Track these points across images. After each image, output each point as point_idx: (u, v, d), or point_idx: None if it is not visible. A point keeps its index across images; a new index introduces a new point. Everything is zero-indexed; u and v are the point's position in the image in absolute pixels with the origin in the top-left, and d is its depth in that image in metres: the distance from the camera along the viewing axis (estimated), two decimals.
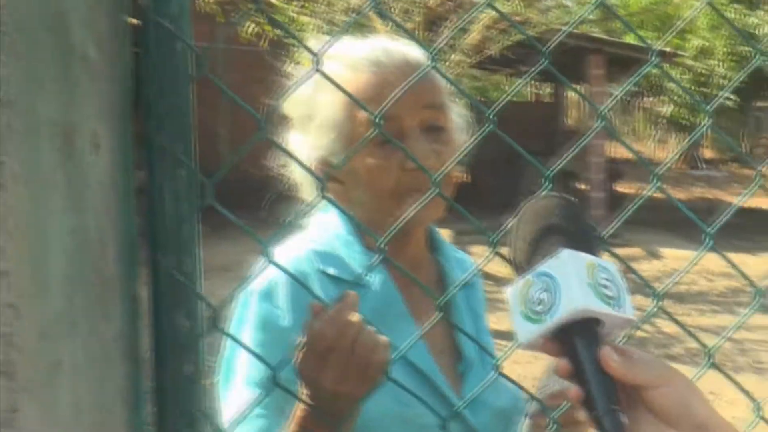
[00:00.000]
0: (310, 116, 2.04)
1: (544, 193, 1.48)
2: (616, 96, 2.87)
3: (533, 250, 1.40)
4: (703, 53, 21.52)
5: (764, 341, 10.71)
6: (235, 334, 1.87)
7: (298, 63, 2.13)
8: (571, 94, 27.42)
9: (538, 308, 1.34)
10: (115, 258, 1.35)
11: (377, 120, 1.49)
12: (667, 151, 38.37)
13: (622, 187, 25.73)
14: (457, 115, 2.12)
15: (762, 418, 1.80)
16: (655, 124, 40.85)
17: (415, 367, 1.97)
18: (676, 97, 24.31)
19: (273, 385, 1.51)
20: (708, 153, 38.60)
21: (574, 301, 1.31)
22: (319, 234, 2.05)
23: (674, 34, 20.50)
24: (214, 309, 1.45)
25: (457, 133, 2.09)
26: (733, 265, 1.83)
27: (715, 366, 1.77)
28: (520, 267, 1.41)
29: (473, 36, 12.56)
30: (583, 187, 20.86)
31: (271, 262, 1.47)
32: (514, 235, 1.44)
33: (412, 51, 2.05)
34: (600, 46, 18.89)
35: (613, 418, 1.27)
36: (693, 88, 22.86)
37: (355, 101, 1.65)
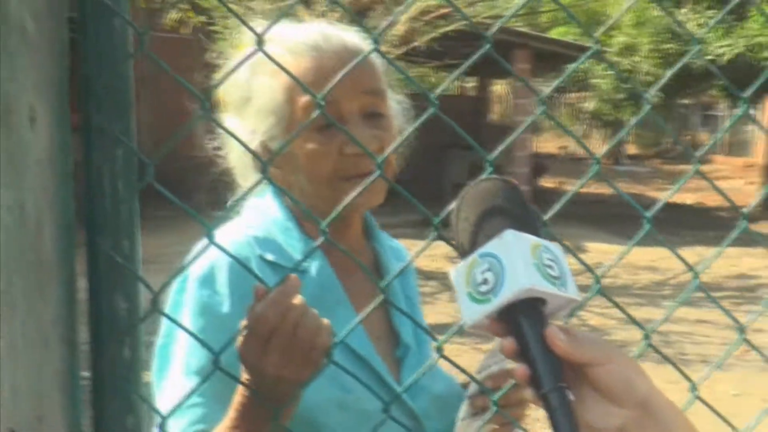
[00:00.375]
0: (248, 100, 2.01)
1: (485, 176, 1.47)
2: (559, 81, 2.83)
3: (477, 231, 1.39)
4: (628, 50, 21.66)
5: (688, 333, 10.86)
6: (173, 317, 1.83)
7: (233, 47, 2.09)
8: (496, 89, 27.55)
9: (483, 288, 1.33)
10: (53, 238, 1.33)
11: (320, 102, 1.46)
12: (590, 145, 38.72)
13: (545, 182, 25.97)
14: (396, 102, 2.11)
15: (698, 397, 1.82)
16: (578, 119, 41.24)
17: (355, 353, 1.95)
18: (601, 93, 24.46)
19: (214, 370, 1.48)
20: (632, 149, 39.08)
21: (519, 281, 1.31)
22: (257, 219, 2.02)
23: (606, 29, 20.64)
24: (154, 292, 1.42)
25: (396, 119, 2.08)
26: (680, 258, 1.81)
27: (652, 347, 1.78)
28: (464, 249, 1.40)
29: (399, 27, 12.53)
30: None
31: (215, 244, 1.45)
32: (456, 218, 1.43)
33: (350, 36, 2.04)
34: (526, 41, 19.01)
35: (561, 395, 1.27)
36: (617, 84, 23.05)
37: (298, 83, 1.62)
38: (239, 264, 1.75)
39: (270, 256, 1.96)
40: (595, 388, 1.29)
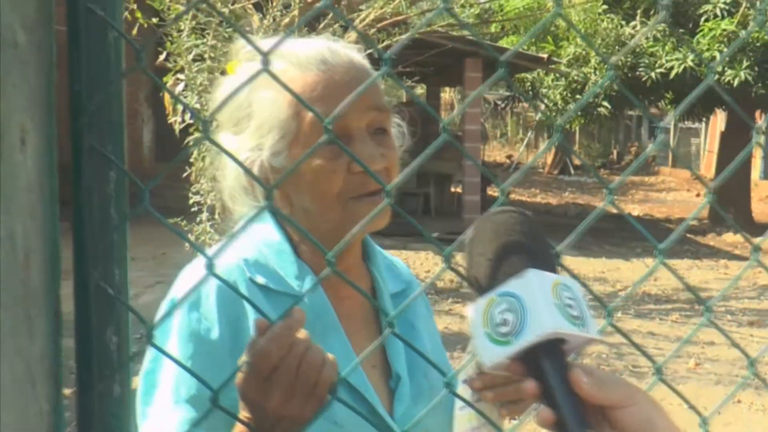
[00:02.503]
0: (248, 116, 1.93)
1: (500, 207, 1.42)
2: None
3: (495, 267, 1.34)
4: (578, 60, 21.71)
5: (641, 345, 10.87)
6: (159, 346, 1.74)
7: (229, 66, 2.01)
8: (445, 96, 27.48)
9: (503, 330, 1.29)
10: (40, 269, 1.23)
11: (327, 126, 1.38)
12: (535, 156, 38.90)
13: (494, 191, 26.02)
14: (393, 122, 2.05)
15: None
16: (526, 128, 41.45)
17: (348, 384, 1.87)
18: (550, 103, 24.52)
19: (211, 408, 1.39)
20: (578, 159, 39.25)
21: (543, 324, 1.27)
22: (250, 241, 1.93)
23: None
24: (150, 326, 1.33)
25: (395, 139, 2.02)
26: (692, 292, 1.74)
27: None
28: (480, 285, 1.36)
29: (352, 33, 12.45)
30: (457, 190, 20.98)
31: (214, 275, 1.36)
32: (470, 252, 1.39)
33: (353, 51, 2.00)
34: (476, 50, 18.97)
35: None
36: (567, 94, 23.11)
37: (305, 105, 1.55)
38: (238, 293, 1.67)
39: (260, 279, 1.88)
40: (616, 429, 1.28)
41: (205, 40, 9.21)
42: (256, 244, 1.92)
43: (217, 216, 9.13)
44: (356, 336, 1.95)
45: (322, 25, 11.07)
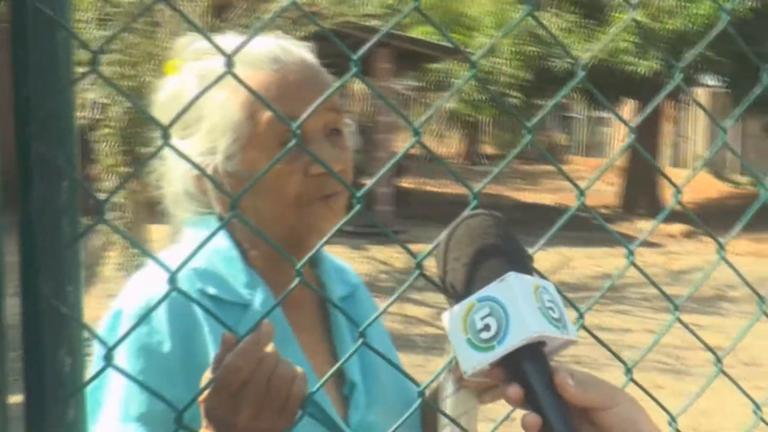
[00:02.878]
0: (198, 119, 1.85)
1: (472, 210, 1.40)
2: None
3: (472, 272, 1.31)
4: (489, 51, 21.79)
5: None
6: (104, 362, 1.64)
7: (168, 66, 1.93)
8: (356, 88, 27.43)
9: (485, 335, 1.26)
10: None
11: (296, 132, 1.32)
12: (447, 146, 39.10)
13: (406, 183, 26.09)
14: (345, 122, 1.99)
15: None
16: (436, 119, 41.54)
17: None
18: (461, 94, 24.60)
19: (177, 429, 1.32)
20: (488, 149, 39.48)
21: (528, 328, 1.25)
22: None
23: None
24: (108, 346, 1.26)
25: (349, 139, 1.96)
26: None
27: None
28: (456, 291, 1.32)
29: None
30: (368, 182, 20.97)
31: (179, 291, 1.30)
32: (444, 257, 1.35)
33: (304, 49, 1.94)
34: (388, 40, 18.95)
35: None
36: (479, 85, 23.24)
37: (267, 105, 1.48)
38: (201, 306, 1.59)
39: (212, 290, 1.82)
40: (601, 430, 1.28)
41: (109, 31, 9.09)
42: (205, 253, 1.83)
43: (126, 214, 9.00)
44: (308, 344, 1.90)
45: (232, 15, 10.98)
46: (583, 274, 15.04)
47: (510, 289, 1.27)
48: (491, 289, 1.28)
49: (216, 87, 1.77)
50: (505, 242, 1.33)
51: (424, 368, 9.65)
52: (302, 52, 1.92)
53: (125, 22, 9.25)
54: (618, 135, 35.46)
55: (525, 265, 1.33)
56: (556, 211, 23.85)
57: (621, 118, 1.88)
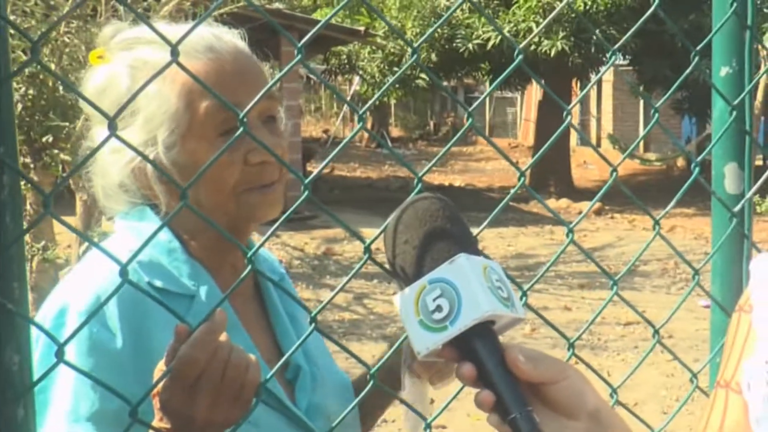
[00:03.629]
0: (133, 111, 1.81)
1: (418, 193, 1.41)
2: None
3: (422, 255, 1.32)
4: (393, 33, 21.82)
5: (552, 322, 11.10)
6: (52, 360, 1.58)
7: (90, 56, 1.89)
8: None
9: (437, 316, 1.28)
10: None
11: (242, 119, 1.30)
12: (352, 129, 39.08)
13: (312, 167, 26.05)
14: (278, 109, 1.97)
15: None
16: (340, 102, 41.52)
17: None
18: (367, 77, 24.63)
19: (132, 423, 1.30)
20: (396, 132, 39.59)
21: (480, 307, 1.27)
22: (137, 243, 1.81)
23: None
24: (59, 342, 1.23)
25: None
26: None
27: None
28: (406, 274, 1.33)
29: (167, 7, 12.13)
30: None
31: (130, 283, 1.28)
32: (393, 240, 1.35)
33: (237, 38, 1.91)
34: (292, 23, 18.85)
35: (529, 418, 1.26)
36: (385, 67, 23.25)
37: (212, 93, 1.45)
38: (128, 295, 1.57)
39: (158, 282, 1.79)
40: (549, 404, 1.30)
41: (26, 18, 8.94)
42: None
43: (29, 207, 8.86)
44: (252, 331, 1.89)
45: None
46: (496, 254, 15.14)
47: (461, 270, 1.28)
48: (442, 271, 1.29)
49: (146, 78, 1.75)
50: (453, 224, 1.34)
51: (342, 353, 9.65)
52: (235, 39, 1.89)
53: (37, 11, 9.11)
54: (523, 114, 35.75)
55: (473, 247, 1.34)
56: (467, 192, 24.00)
57: (558, 100, 1.89)
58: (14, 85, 6.76)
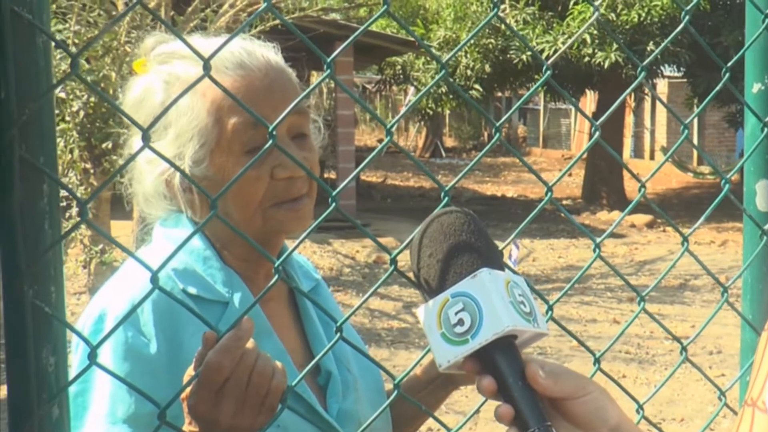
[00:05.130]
0: (166, 124, 1.85)
1: (444, 207, 1.44)
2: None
3: (445, 269, 1.35)
4: (448, 44, 21.81)
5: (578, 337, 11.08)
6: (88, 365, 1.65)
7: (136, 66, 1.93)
8: (314, 80, 27.39)
9: (459, 329, 1.30)
10: None
11: (272, 133, 1.34)
12: (406, 139, 39.10)
13: (371, 176, 26.07)
14: (311, 121, 2.01)
15: None
16: (395, 112, 41.51)
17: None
18: (421, 87, 24.63)
19: (160, 425, 1.34)
20: (450, 142, 39.54)
21: (501, 322, 1.29)
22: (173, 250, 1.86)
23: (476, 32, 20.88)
24: (92, 345, 1.28)
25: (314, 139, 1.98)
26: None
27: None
28: (430, 287, 1.36)
29: (224, 19, 12.26)
30: (330, 175, 20.94)
31: (160, 289, 1.33)
32: (418, 253, 1.38)
33: (268, 50, 1.94)
34: (347, 33, 18.91)
35: None
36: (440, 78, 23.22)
37: (246, 110, 1.48)
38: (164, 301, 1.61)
39: (192, 290, 1.84)
40: (570, 418, 1.32)
41: (67, 25, 9.02)
42: (181, 253, 1.85)
43: (90, 211, 8.96)
44: (284, 337, 1.92)
45: (191, 8, 10.92)
46: (546, 266, 15.09)
47: (482, 284, 1.30)
48: (464, 285, 1.31)
49: (180, 92, 1.79)
50: (477, 239, 1.36)
51: (390, 361, 9.68)
52: (267, 53, 1.92)
53: (100, 21, 9.20)
54: (577, 126, 35.60)
55: (496, 261, 1.36)
56: (519, 202, 23.94)
57: (586, 116, 1.92)
58: (77, 93, 6.82)
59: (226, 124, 1.82)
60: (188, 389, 1.50)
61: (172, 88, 1.82)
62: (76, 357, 1.77)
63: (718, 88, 1.91)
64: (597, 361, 1.78)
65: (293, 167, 1.79)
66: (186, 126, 1.84)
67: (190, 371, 1.51)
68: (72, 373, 1.72)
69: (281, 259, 1.42)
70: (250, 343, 1.50)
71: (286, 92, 1.87)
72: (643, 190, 1.78)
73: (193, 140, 1.83)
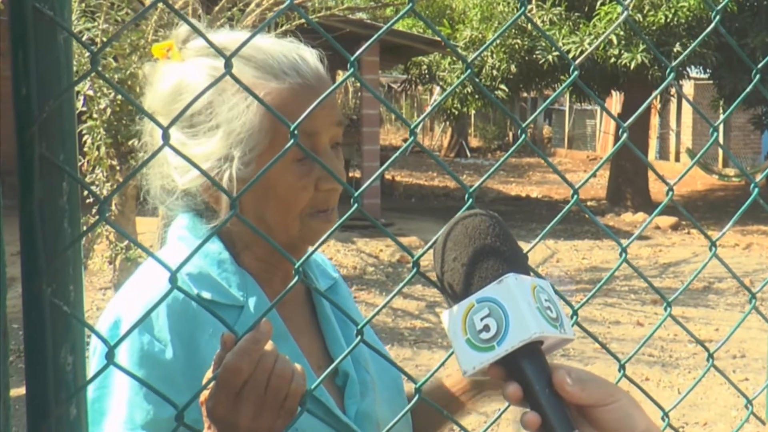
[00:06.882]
0: (213, 121, 1.80)
1: (468, 210, 1.42)
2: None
3: (470, 273, 1.32)
4: (475, 44, 21.77)
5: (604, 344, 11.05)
6: (105, 371, 1.63)
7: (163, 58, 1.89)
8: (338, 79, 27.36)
9: (485, 336, 1.28)
10: None
11: (296, 139, 1.33)
12: (431, 138, 39.10)
13: (390, 175, 26.05)
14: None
15: None
16: (420, 111, 41.51)
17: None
18: (447, 87, 24.61)
19: (178, 426, 1.33)
20: (475, 142, 39.50)
21: (528, 329, 1.26)
22: (188, 253, 1.84)
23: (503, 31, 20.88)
24: (109, 344, 1.27)
25: None
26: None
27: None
28: (454, 291, 1.34)
29: (251, 17, 12.26)
30: (355, 174, 20.95)
31: (179, 289, 1.32)
32: (442, 257, 1.36)
33: (315, 57, 1.89)
34: (372, 33, 18.84)
35: None
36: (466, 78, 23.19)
37: (280, 119, 1.45)
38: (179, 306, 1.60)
39: (207, 295, 1.82)
40: (597, 426, 1.30)
41: (96, 23, 9.03)
42: (196, 257, 1.83)
43: (114, 208, 8.98)
44: (301, 339, 1.91)
45: (218, 8, 10.92)
46: (570, 267, 15.05)
47: (508, 290, 1.28)
48: (490, 290, 1.29)
49: (235, 92, 1.76)
50: (503, 243, 1.34)
51: (412, 361, 9.66)
52: (316, 61, 1.88)
53: (128, 20, 9.20)
54: (603, 127, 35.51)
55: (522, 265, 1.34)
56: (543, 203, 23.90)
57: (613, 116, 1.89)
58: (104, 90, 6.81)
59: (281, 131, 1.77)
60: (206, 392, 1.49)
61: (222, 84, 1.73)
62: (93, 359, 1.77)
63: (748, 89, 1.88)
64: (622, 367, 1.76)
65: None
66: (239, 128, 1.79)
67: (208, 374, 1.50)
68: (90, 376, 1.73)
69: (302, 260, 1.40)
70: (268, 345, 1.49)
71: (333, 103, 1.87)
72: (671, 193, 1.76)
73: (244, 143, 1.79)
